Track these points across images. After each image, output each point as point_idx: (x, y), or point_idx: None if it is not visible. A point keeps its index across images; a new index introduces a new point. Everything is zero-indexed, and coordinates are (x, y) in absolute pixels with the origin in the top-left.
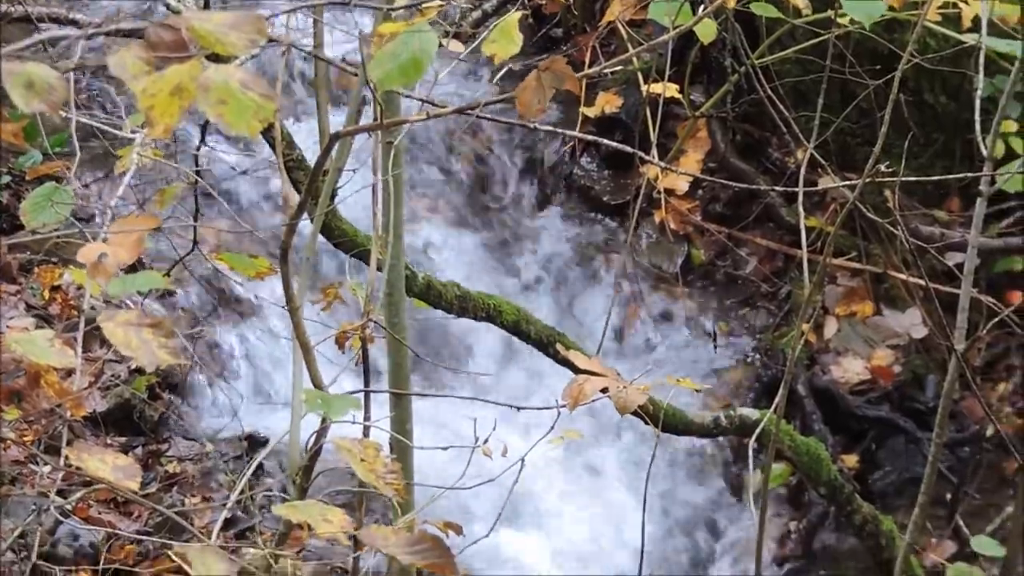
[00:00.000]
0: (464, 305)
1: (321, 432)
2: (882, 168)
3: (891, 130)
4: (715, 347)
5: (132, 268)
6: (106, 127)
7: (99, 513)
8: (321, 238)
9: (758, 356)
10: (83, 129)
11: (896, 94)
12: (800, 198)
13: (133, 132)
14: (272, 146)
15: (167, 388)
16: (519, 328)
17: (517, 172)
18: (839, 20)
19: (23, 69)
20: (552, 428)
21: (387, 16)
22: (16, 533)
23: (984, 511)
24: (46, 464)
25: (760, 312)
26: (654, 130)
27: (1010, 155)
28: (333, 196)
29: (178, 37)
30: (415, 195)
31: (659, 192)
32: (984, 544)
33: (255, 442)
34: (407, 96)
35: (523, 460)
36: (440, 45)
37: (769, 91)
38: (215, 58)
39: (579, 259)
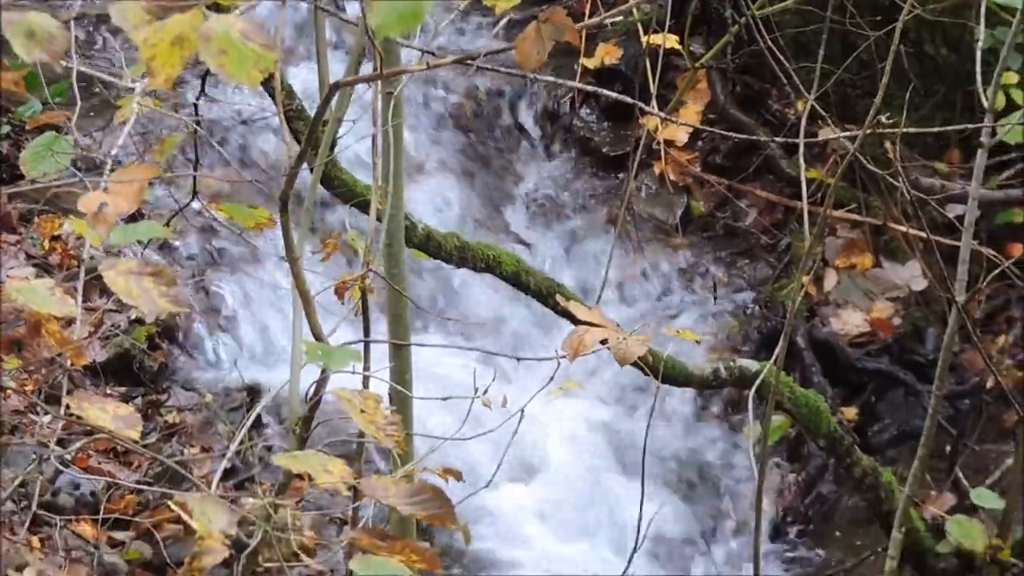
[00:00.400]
0: (464, 256)
1: (321, 383)
2: (882, 120)
3: (892, 81)
4: (715, 299)
5: (132, 218)
6: (107, 77)
7: (99, 463)
8: (321, 188)
9: (758, 308)
10: (84, 79)
11: (897, 45)
12: (800, 149)
13: (133, 82)
14: (272, 96)
15: (167, 338)
16: (519, 279)
17: (516, 124)
18: None
19: (24, 18)
20: (552, 379)
21: None
22: (16, 482)
23: (984, 463)
24: (46, 414)
25: (760, 264)
26: (654, 81)
27: (1011, 107)
28: (333, 146)
29: None
30: (414, 146)
31: (659, 143)
32: (984, 497)
33: (255, 393)
34: (407, 46)
35: (522, 411)
36: None
37: (769, 42)
38: (216, 8)
39: (578, 210)
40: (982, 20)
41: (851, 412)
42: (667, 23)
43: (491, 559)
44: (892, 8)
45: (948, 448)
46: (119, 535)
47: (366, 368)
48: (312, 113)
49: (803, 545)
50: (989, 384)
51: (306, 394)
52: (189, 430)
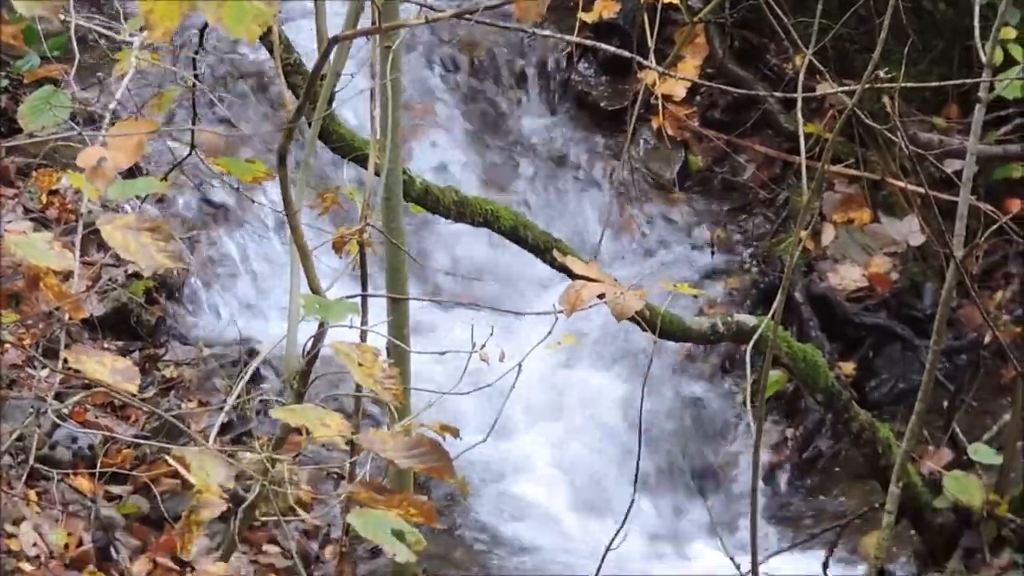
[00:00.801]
0: (462, 210)
1: (319, 337)
2: (880, 75)
3: (890, 36)
4: (712, 253)
5: (130, 172)
6: (105, 31)
7: (96, 417)
8: (319, 143)
9: (755, 263)
10: (82, 33)
11: (895, 0)
12: (799, 104)
13: (132, 36)
14: (270, 50)
15: (164, 293)
16: (517, 233)
17: (515, 78)
18: None
19: None
20: (550, 333)
21: None
22: (14, 436)
23: (981, 419)
24: (44, 367)
25: (758, 219)
26: (652, 36)
27: (1009, 62)
28: (331, 100)
29: None
30: (413, 101)
31: (657, 98)
32: (981, 452)
33: (252, 347)
34: (406, 0)
35: (520, 366)
36: None
37: None
38: None
39: (576, 165)
40: None
41: (849, 367)
42: None
43: (490, 510)
44: None
45: (945, 403)
46: (116, 489)
47: (364, 322)
48: (310, 67)
49: (800, 500)
50: (987, 340)
51: (304, 348)
52: (187, 384)
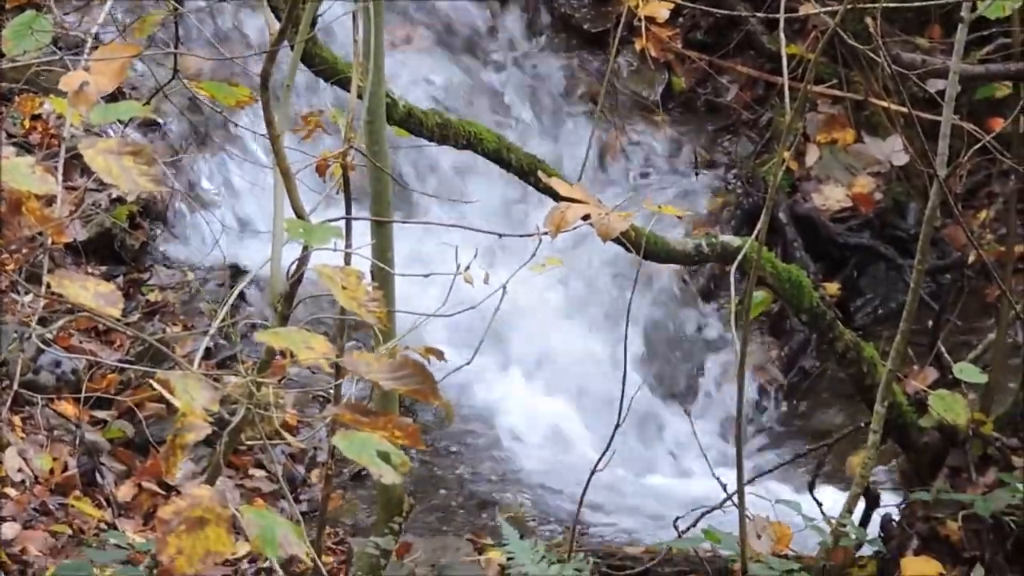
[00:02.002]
0: (445, 133)
1: (302, 260)
2: None
3: None
4: (696, 174)
5: (113, 97)
6: None
7: (81, 342)
8: (302, 66)
9: (739, 183)
10: None
11: None
12: (781, 25)
13: None
14: None
15: (148, 217)
16: (500, 156)
17: (497, 1)
18: None
19: None
20: (533, 255)
21: None
22: None
23: (966, 338)
24: (27, 292)
25: (741, 140)
26: None
27: None
28: (314, 23)
29: None
30: (396, 25)
31: (640, 20)
32: (966, 371)
33: (237, 271)
34: None
35: (505, 287)
36: None
37: None
38: None
39: (560, 87)
40: None
41: (833, 287)
42: None
43: (477, 426)
44: None
45: (930, 323)
46: (101, 414)
47: (348, 246)
48: None
49: (785, 419)
50: (971, 259)
51: (288, 271)
52: (171, 308)
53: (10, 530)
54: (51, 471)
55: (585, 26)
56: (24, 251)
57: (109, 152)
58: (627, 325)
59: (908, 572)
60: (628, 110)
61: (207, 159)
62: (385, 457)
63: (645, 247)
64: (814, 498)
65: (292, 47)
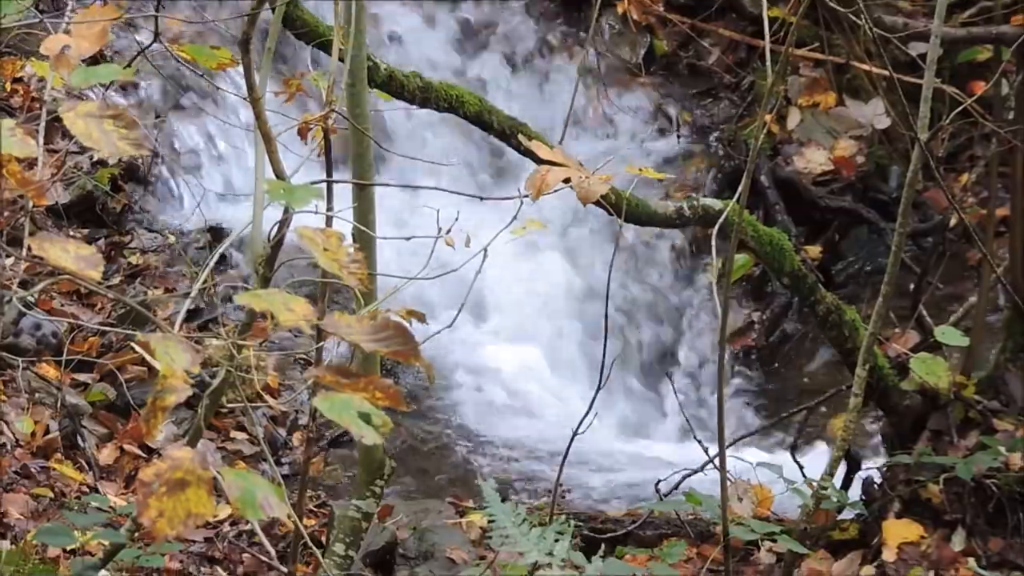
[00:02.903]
0: (426, 96)
1: (284, 222)
2: None
3: None
4: (678, 138)
5: (94, 60)
6: None
7: (62, 305)
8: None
9: (721, 147)
10: None
11: None
12: None
13: None
14: None
15: (130, 180)
16: (481, 118)
17: None
18: None
19: None
20: (515, 218)
21: None
22: None
23: (947, 301)
24: (8, 255)
25: (723, 103)
26: None
27: None
28: None
29: None
30: None
31: None
32: (947, 334)
33: (218, 233)
34: None
35: (486, 250)
36: None
37: None
38: None
39: (541, 51)
40: None
41: (815, 250)
42: None
43: (459, 390)
44: None
45: (912, 286)
46: (82, 377)
47: (329, 209)
48: None
49: (767, 383)
50: (952, 222)
51: (269, 234)
52: (153, 271)
53: None
54: (32, 434)
55: None
56: (5, 214)
57: (90, 115)
58: (607, 288)
59: (889, 535)
60: (610, 73)
61: (189, 121)
62: (366, 418)
63: (626, 210)
64: (795, 461)
65: (273, 10)
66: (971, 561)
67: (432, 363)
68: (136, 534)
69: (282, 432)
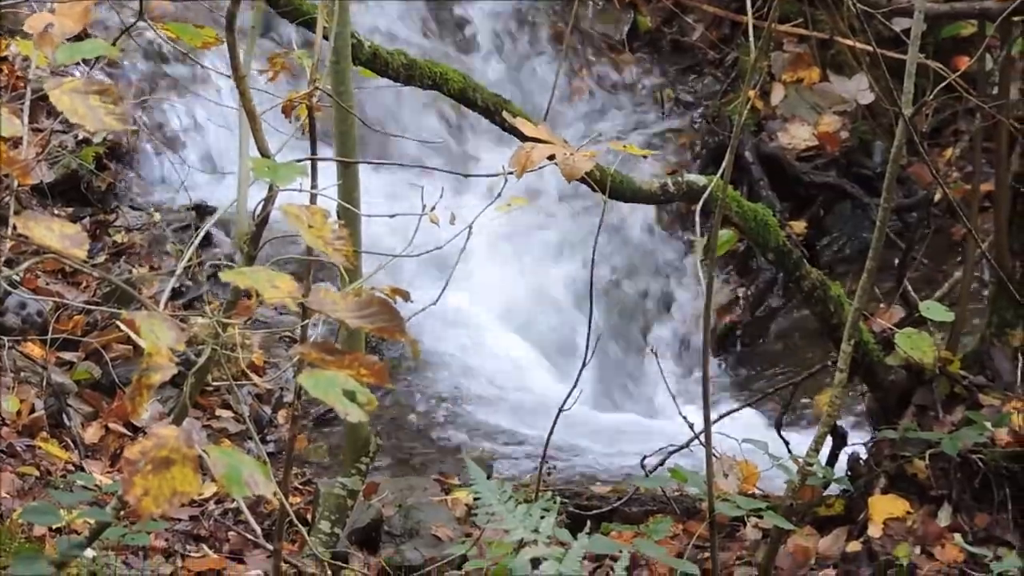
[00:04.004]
0: (411, 73)
1: (268, 199)
2: None
3: None
4: (662, 114)
5: (78, 39)
6: None
7: (47, 283)
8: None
9: (705, 122)
10: None
11: None
12: None
13: None
14: None
15: (115, 159)
16: (465, 95)
17: None
18: None
19: None
20: (499, 195)
21: None
22: None
23: (932, 276)
24: None
25: (707, 79)
26: None
27: None
28: None
29: None
30: None
31: None
32: (933, 309)
33: (203, 211)
34: None
35: (471, 228)
36: None
37: None
38: None
39: (525, 28)
40: None
41: (799, 226)
42: None
43: (443, 367)
44: None
45: (897, 261)
46: (68, 355)
47: (313, 187)
48: None
49: (752, 358)
50: (937, 197)
51: (254, 212)
52: (137, 250)
53: None
54: (18, 413)
55: None
56: None
57: (75, 91)
58: (592, 265)
59: (875, 510)
60: (594, 50)
61: (174, 100)
62: (351, 396)
63: (611, 186)
64: (781, 437)
65: None
66: (957, 537)
67: (415, 339)
68: (122, 512)
69: (267, 410)
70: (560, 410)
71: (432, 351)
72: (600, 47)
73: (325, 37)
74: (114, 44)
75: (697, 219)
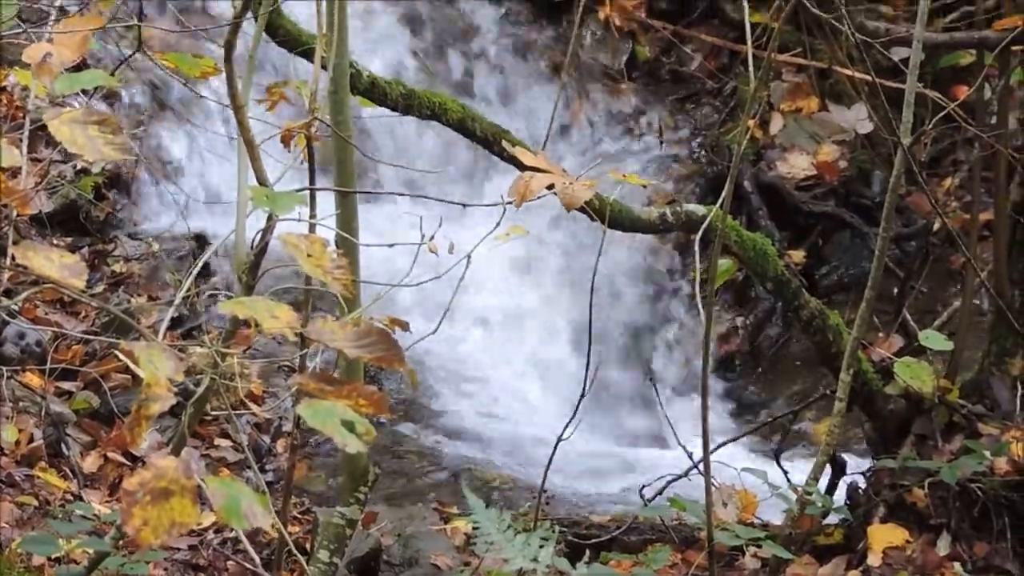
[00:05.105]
0: (409, 103)
1: (267, 229)
2: None
3: None
4: (661, 143)
5: (76, 69)
6: None
7: (46, 313)
8: (265, 37)
9: (704, 152)
10: None
11: None
12: None
13: None
14: None
15: (113, 189)
16: (464, 126)
17: None
18: None
19: None
20: (499, 224)
21: None
22: None
23: (931, 305)
24: None
25: (706, 108)
26: None
27: None
28: None
29: None
30: None
31: None
32: (931, 338)
33: (202, 241)
34: None
35: (469, 257)
36: None
37: None
38: None
39: (524, 58)
40: None
41: (798, 255)
42: None
43: (442, 397)
44: None
45: (895, 290)
46: (66, 385)
47: (312, 217)
48: None
49: (751, 388)
50: (935, 226)
51: (252, 241)
52: (136, 279)
53: None
54: (17, 442)
55: None
56: None
57: (74, 122)
58: (591, 294)
59: (874, 539)
60: (592, 79)
61: (172, 129)
62: (350, 426)
63: (610, 216)
64: (780, 466)
65: (256, 18)
66: (956, 566)
67: (414, 368)
68: (120, 542)
69: (266, 439)
70: (559, 439)
71: (431, 380)
72: (599, 77)
73: (324, 67)
74: (114, 73)
75: (696, 249)
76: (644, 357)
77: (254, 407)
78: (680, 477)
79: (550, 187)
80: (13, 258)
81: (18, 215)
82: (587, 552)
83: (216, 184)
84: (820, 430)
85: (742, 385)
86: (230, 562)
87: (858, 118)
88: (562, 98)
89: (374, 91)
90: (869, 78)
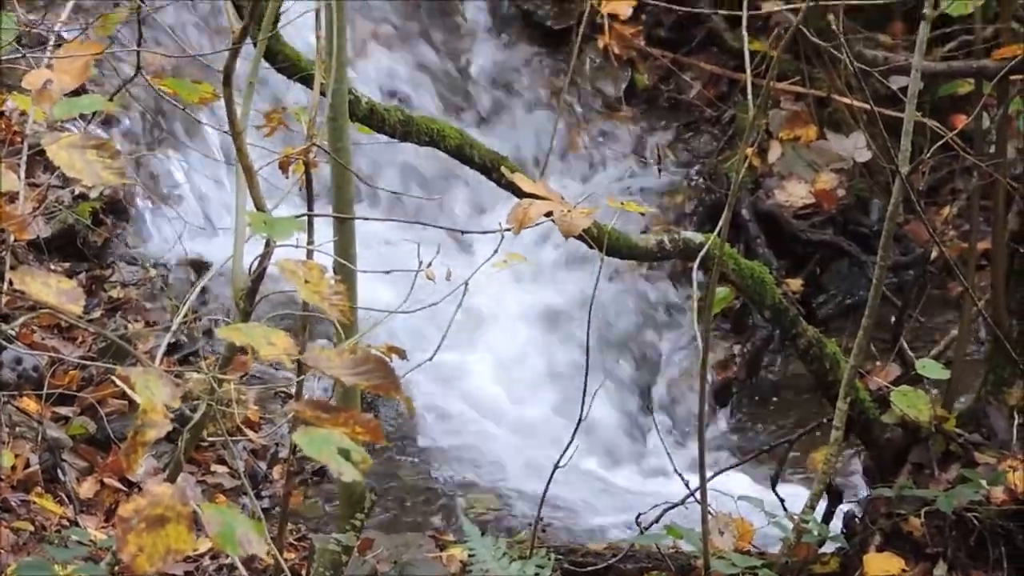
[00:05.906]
0: (407, 130)
1: (265, 255)
2: None
3: None
4: (659, 171)
5: (76, 94)
6: None
7: (43, 338)
8: (264, 63)
9: (702, 180)
10: None
11: None
12: (744, 22)
13: None
14: None
15: (111, 214)
16: (462, 152)
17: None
18: None
19: None
20: (496, 251)
21: None
22: None
23: (929, 334)
24: None
25: (704, 136)
26: None
27: None
28: (276, 20)
29: None
30: (359, 20)
31: (602, 17)
32: (929, 367)
33: (199, 267)
34: None
35: (467, 284)
36: None
37: None
38: None
39: (523, 85)
40: None
41: (796, 283)
42: None
43: (439, 423)
44: None
45: (893, 319)
46: (63, 410)
47: (310, 242)
48: None
49: (748, 416)
50: (933, 255)
51: (250, 267)
52: (133, 305)
53: None
54: (13, 468)
55: (548, 23)
56: None
57: (72, 146)
58: (589, 321)
59: (871, 568)
60: (591, 107)
61: (170, 155)
62: (346, 454)
63: (608, 244)
64: (776, 494)
65: (255, 44)
66: None
67: (411, 395)
68: (116, 569)
69: (262, 465)
70: (556, 466)
71: (428, 407)
72: (597, 104)
73: (323, 93)
74: (112, 98)
75: (694, 276)
76: (641, 384)
77: (250, 433)
78: (677, 505)
79: (548, 214)
80: (11, 283)
81: (16, 240)
82: None
83: (215, 209)
84: (817, 458)
85: (739, 413)
86: None
87: (856, 146)
88: (561, 125)
89: (372, 117)
90: (868, 107)
